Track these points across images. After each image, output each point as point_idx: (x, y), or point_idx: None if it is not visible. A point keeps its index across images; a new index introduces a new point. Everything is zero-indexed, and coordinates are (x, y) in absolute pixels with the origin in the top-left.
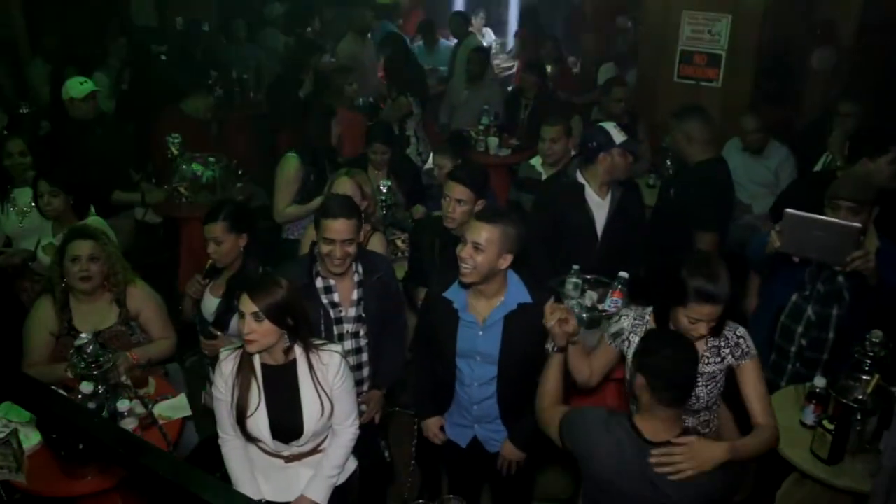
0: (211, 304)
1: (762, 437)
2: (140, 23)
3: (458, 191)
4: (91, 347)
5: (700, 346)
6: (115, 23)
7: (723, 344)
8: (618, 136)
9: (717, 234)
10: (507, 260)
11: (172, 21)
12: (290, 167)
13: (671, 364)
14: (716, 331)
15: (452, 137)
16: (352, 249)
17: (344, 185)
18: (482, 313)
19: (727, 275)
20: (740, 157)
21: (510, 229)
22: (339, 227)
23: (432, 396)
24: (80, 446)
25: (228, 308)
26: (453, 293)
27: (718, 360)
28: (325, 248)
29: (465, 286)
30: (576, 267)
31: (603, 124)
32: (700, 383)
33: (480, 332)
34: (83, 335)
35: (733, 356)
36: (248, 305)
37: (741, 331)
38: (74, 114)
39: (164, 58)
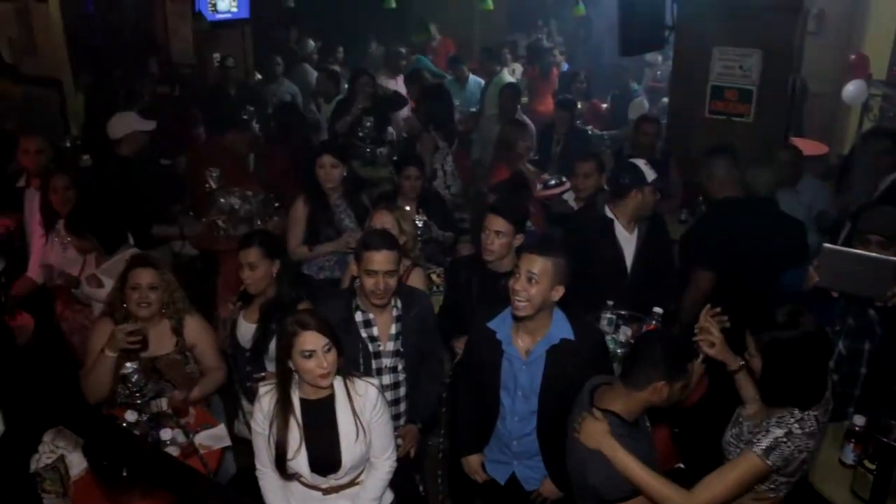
0: (247, 330)
1: (661, 484)
2: (178, 60)
3: (497, 223)
4: (136, 377)
5: None
6: (153, 60)
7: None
8: (649, 174)
9: (713, 275)
10: (559, 292)
11: (209, 58)
12: (296, 206)
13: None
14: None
15: (513, 177)
16: (393, 282)
17: (382, 219)
18: (525, 347)
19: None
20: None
21: (561, 261)
22: (381, 259)
23: (473, 432)
24: (125, 473)
25: (265, 334)
26: (498, 324)
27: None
28: (367, 281)
29: (518, 319)
30: (610, 302)
31: (633, 161)
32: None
33: (523, 366)
34: (129, 365)
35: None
36: (318, 341)
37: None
38: (120, 150)
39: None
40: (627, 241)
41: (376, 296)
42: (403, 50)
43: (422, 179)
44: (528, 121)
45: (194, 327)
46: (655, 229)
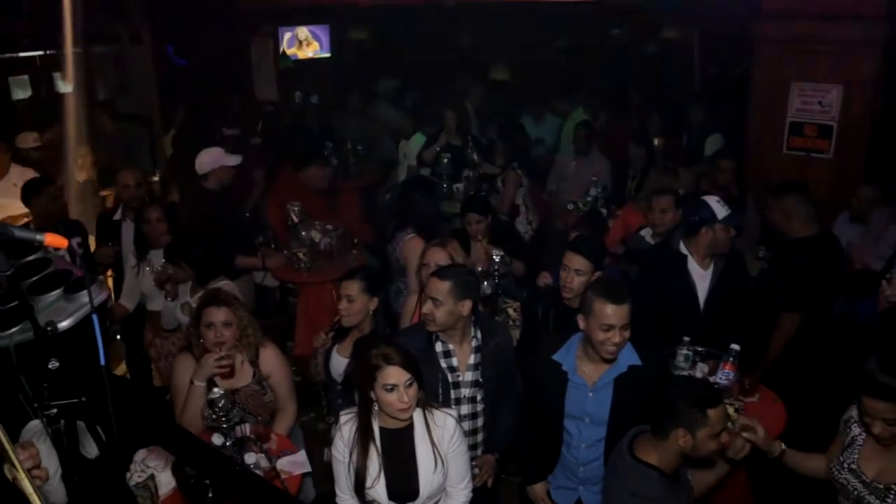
0: (339, 363)
1: None
2: (261, 97)
3: (576, 261)
4: (222, 402)
5: None
6: (237, 97)
7: None
8: (720, 211)
9: (800, 315)
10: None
11: (291, 95)
12: (413, 244)
13: None
14: None
15: (589, 214)
16: (440, 311)
17: (435, 256)
18: (592, 376)
19: None
20: (848, 228)
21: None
22: (431, 286)
23: (538, 460)
24: (210, 494)
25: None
26: (562, 356)
27: None
28: (423, 306)
29: (609, 362)
30: (686, 338)
31: (705, 198)
32: None
33: (590, 394)
34: (216, 390)
35: None
36: (401, 376)
37: None
38: (207, 184)
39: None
40: (701, 277)
41: (426, 321)
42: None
43: (485, 221)
44: (603, 157)
45: (269, 357)
46: (733, 266)
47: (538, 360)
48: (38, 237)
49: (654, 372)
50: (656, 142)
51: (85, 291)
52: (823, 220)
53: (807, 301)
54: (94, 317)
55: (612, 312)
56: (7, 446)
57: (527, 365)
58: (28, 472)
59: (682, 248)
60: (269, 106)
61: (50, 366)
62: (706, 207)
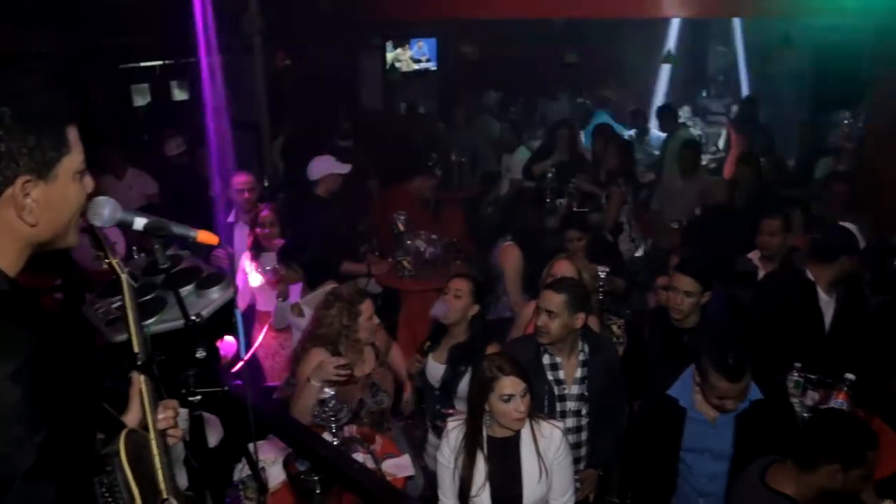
0: (435, 369)
1: None
2: (368, 108)
3: (685, 283)
4: (333, 402)
5: None
6: (345, 107)
7: None
8: (862, 240)
9: None
10: None
11: (397, 106)
12: (511, 253)
13: None
14: None
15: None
16: (554, 324)
17: (563, 269)
18: (711, 412)
19: None
20: None
21: None
22: (545, 298)
23: (651, 493)
24: (318, 490)
25: (454, 375)
26: (679, 391)
27: None
28: (535, 317)
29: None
30: (798, 364)
31: (847, 225)
32: None
33: (711, 430)
34: (327, 390)
35: None
36: (517, 386)
37: None
38: (316, 190)
39: None
40: (827, 304)
41: (538, 333)
42: (588, 102)
43: (584, 239)
44: (709, 177)
45: (380, 336)
46: (854, 293)
47: (652, 396)
48: (192, 234)
49: (778, 405)
50: (762, 161)
51: (215, 288)
52: None
53: None
54: (237, 312)
55: (728, 388)
56: (147, 407)
57: (641, 401)
58: (162, 432)
59: (808, 274)
60: (375, 117)
61: (198, 355)
62: (849, 235)
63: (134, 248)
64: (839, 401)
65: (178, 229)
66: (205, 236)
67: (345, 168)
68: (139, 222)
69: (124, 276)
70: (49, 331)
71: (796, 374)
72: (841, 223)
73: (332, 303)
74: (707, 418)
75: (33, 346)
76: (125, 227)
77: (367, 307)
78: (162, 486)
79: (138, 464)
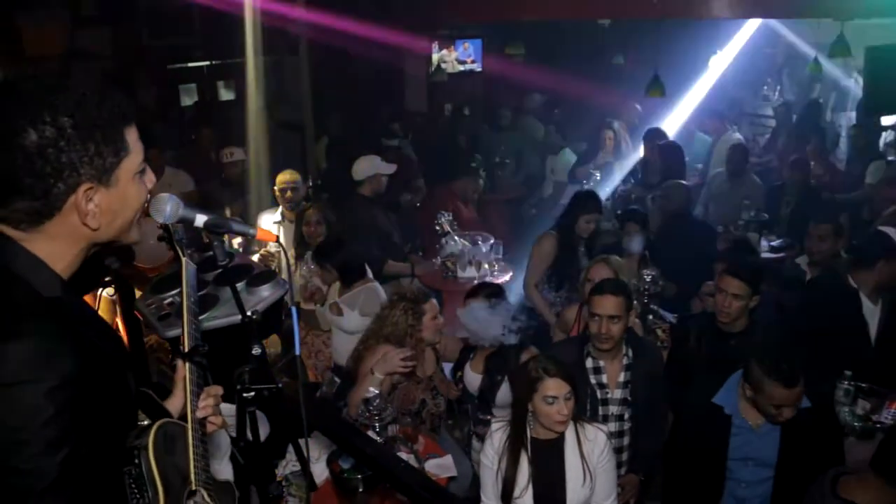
0: (473, 379)
1: None
2: (412, 109)
3: (734, 285)
4: (377, 402)
5: None
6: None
7: None
8: None
9: None
10: None
11: (441, 108)
12: (545, 242)
13: None
14: None
15: (737, 243)
16: (616, 328)
17: (600, 272)
18: (756, 419)
19: None
20: None
21: None
22: (605, 303)
23: (696, 501)
24: (360, 489)
25: (492, 384)
26: (723, 398)
27: None
28: (592, 325)
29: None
30: (848, 373)
31: (883, 229)
32: None
33: (755, 438)
34: (372, 389)
35: None
36: (561, 388)
37: None
38: (362, 190)
39: None
40: (871, 312)
41: (599, 340)
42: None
43: (644, 235)
44: (757, 180)
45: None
46: None
47: (696, 404)
48: (251, 231)
49: (825, 414)
50: (812, 165)
51: (266, 285)
52: None
53: None
54: (294, 309)
55: (784, 395)
56: (188, 396)
57: (685, 409)
58: (202, 420)
59: (851, 281)
60: (419, 118)
61: (254, 351)
62: (886, 240)
63: None
64: (892, 410)
65: (237, 226)
66: (263, 233)
67: (391, 168)
68: (200, 219)
69: (185, 259)
70: (93, 341)
71: (846, 383)
72: (880, 228)
73: (396, 303)
74: (751, 426)
75: (75, 364)
76: (186, 223)
77: (431, 307)
78: (192, 476)
79: (169, 455)
